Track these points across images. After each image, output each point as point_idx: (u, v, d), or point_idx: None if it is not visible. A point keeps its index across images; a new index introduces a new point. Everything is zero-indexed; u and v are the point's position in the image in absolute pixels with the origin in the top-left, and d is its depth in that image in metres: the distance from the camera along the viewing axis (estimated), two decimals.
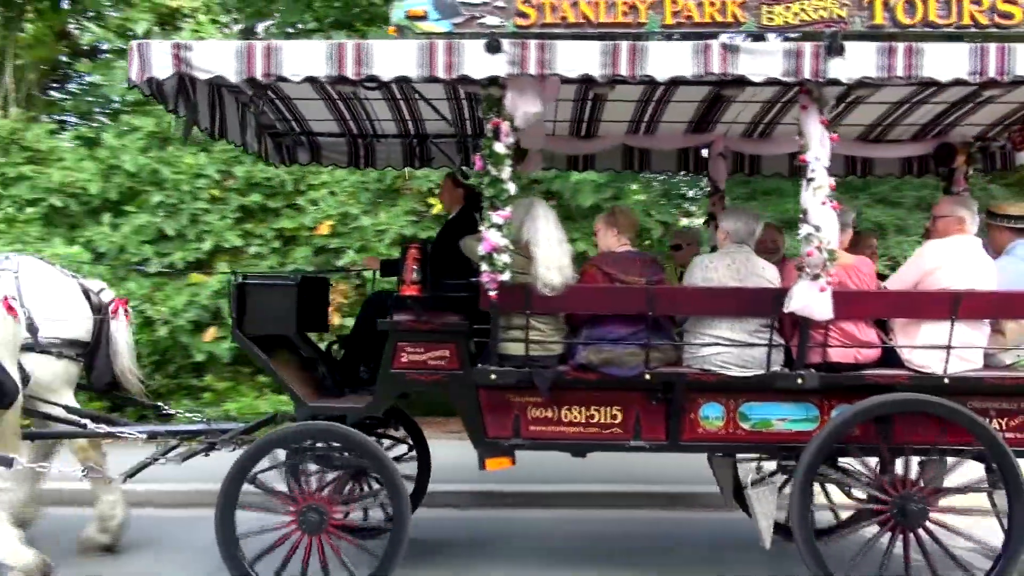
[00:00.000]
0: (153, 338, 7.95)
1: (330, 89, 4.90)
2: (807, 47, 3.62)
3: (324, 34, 9.49)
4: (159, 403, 5.34)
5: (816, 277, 3.83)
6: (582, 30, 3.86)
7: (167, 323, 8.01)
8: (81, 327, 4.83)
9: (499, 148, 3.82)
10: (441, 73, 3.66)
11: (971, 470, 4.18)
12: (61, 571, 4.50)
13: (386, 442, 5.39)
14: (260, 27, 10.89)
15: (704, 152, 5.88)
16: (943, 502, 4.11)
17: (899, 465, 4.14)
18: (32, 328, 4.64)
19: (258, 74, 3.68)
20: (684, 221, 9.37)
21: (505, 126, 3.81)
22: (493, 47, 3.63)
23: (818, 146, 3.81)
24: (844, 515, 4.95)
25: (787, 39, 3.86)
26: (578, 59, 3.63)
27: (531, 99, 3.76)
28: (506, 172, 3.85)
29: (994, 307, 4.11)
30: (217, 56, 3.69)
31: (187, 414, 5.20)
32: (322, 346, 5.23)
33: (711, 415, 4.25)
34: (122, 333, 4.99)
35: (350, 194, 8.86)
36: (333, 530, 4.13)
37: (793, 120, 5.31)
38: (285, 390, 4.44)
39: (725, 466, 4.90)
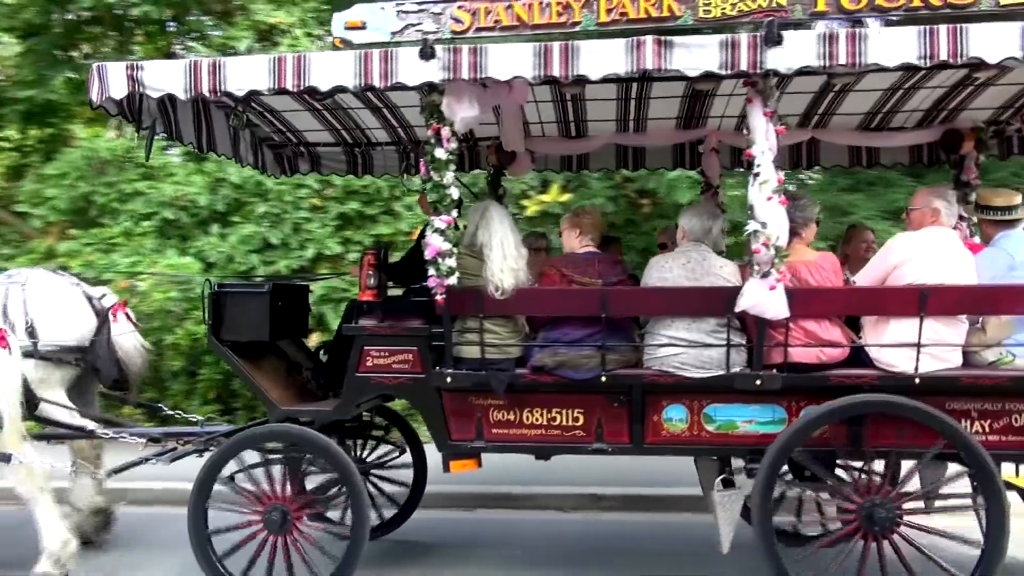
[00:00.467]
0: None
1: (311, 101, 5.03)
2: (743, 38, 3.51)
3: None
4: (159, 404, 5.59)
5: (765, 275, 3.71)
6: (517, 32, 3.85)
7: None
8: (80, 333, 5.08)
9: (440, 154, 3.86)
10: (377, 82, 3.72)
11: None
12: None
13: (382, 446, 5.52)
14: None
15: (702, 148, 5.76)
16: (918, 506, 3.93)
17: (872, 468, 3.97)
18: (33, 335, 4.92)
19: (205, 90, 3.82)
20: None
21: (446, 131, 3.85)
22: (426, 54, 3.67)
23: (763, 139, 3.69)
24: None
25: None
26: (510, 62, 3.62)
27: (468, 104, 3.78)
28: (448, 177, 3.88)
29: (965, 302, 3.88)
30: (166, 74, 3.85)
31: (185, 415, 5.39)
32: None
33: (675, 417, 4.16)
34: (127, 335, 5.23)
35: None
36: (297, 530, 4.24)
37: (786, 112, 5.23)
38: (256, 394, 4.57)
39: (710, 468, 4.78)
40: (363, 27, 3.92)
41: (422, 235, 5.47)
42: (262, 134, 5.70)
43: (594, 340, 4.04)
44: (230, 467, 4.29)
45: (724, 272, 4.02)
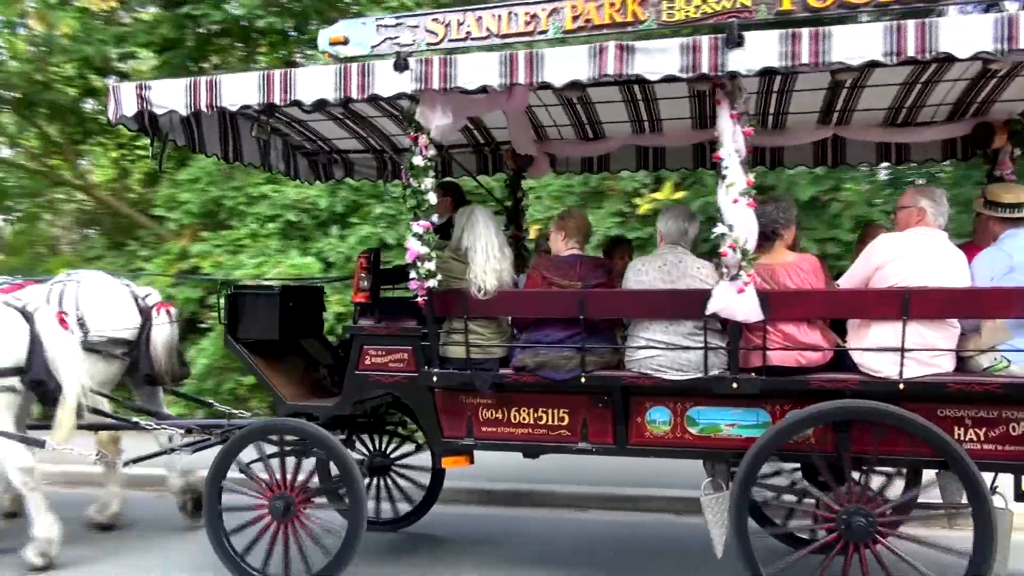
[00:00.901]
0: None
1: (332, 110, 5.27)
2: (704, 41, 3.49)
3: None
4: (209, 400, 6.01)
5: (734, 278, 3.69)
6: (488, 42, 3.95)
7: None
8: (124, 328, 5.50)
9: (418, 161, 4.01)
10: (355, 94, 3.91)
11: None
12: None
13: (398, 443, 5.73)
14: None
15: None
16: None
17: (856, 477, 3.88)
18: (84, 329, 5.37)
19: (203, 106, 4.10)
20: None
21: (423, 139, 3.99)
22: (400, 66, 3.82)
23: (730, 142, 3.66)
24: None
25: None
26: (478, 71, 3.73)
27: (442, 112, 3.92)
28: (426, 183, 4.03)
29: (950, 306, 3.72)
30: (169, 92, 4.15)
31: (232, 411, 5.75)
32: None
33: (658, 419, 4.18)
34: (161, 332, 5.63)
35: (556, 198, 8.97)
36: (299, 519, 4.48)
37: (802, 110, 5.14)
38: (266, 389, 4.85)
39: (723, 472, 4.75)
40: (345, 42, 4.11)
41: None
42: (294, 142, 5.99)
43: (574, 341, 4.11)
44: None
45: (701, 274, 4.00)
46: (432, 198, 4.04)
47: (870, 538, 3.72)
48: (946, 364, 3.79)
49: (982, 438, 3.80)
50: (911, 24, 3.32)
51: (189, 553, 5.21)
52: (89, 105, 11.32)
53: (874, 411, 3.70)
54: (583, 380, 4.11)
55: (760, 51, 3.46)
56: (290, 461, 4.58)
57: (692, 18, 3.73)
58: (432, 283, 4.10)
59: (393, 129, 5.74)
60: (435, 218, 4.11)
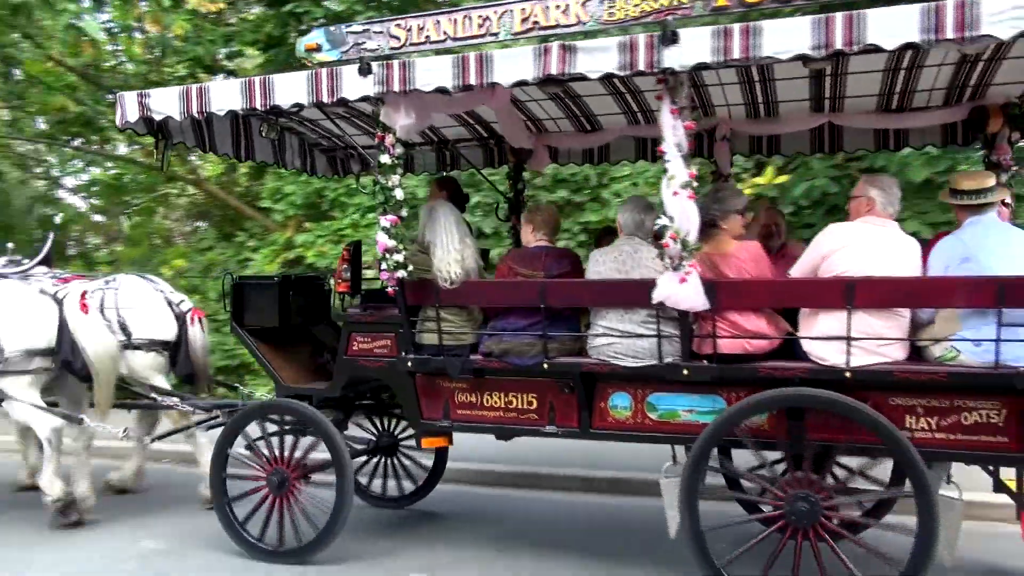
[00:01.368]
0: None
1: (335, 109, 5.57)
2: (641, 39, 3.60)
3: None
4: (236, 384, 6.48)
5: (676, 268, 3.80)
6: (445, 45, 4.14)
7: None
8: (163, 330, 5.95)
9: (386, 159, 4.26)
10: (325, 98, 4.18)
11: None
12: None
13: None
14: None
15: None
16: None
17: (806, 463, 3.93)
18: (126, 331, 5.84)
19: (194, 112, 4.45)
20: None
21: (389, 139, 4.24)
22: (364, 70, 4.07)
23: (671, 136, 3.76)
24: None
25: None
26: (433, 74, 3.94)
27: (404, 113, 4.15)
28: (393, 180, 4.28)
29: (895, 295, 3.73)
30: (165, 99, 4.52)
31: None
32: None
33: (619, 405, 4.33)
34: (197, 336, 6.06)
35: (652, 184, 8.95)
36: (294, 493, 4.82)
37: (791, 98, 5.16)
38: (267, 372, 5.21)
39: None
40: (319, 49, 4.38)
41: None
42: (311, 140, 6.33)
43: (537, 329, 4.29)
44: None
45: (656, 264, 4.10)
46: (399, 194, 4.28)
47: (815, 523, 3.78)
48: (895, 353, 3.81)
49: (934, 427, 3.80)
50: (839, 16, 3.35)
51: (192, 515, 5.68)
52: None
53: (816, 399, 3.76)
54: (545, 366, 4.29)
55: (693, 47, 3.54)
56: (289, 439, 4.93)
57: (632, 17, 3.83)
58: (401, 274, 4.35)
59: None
60: (404, 212, 4.35)
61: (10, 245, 7.00)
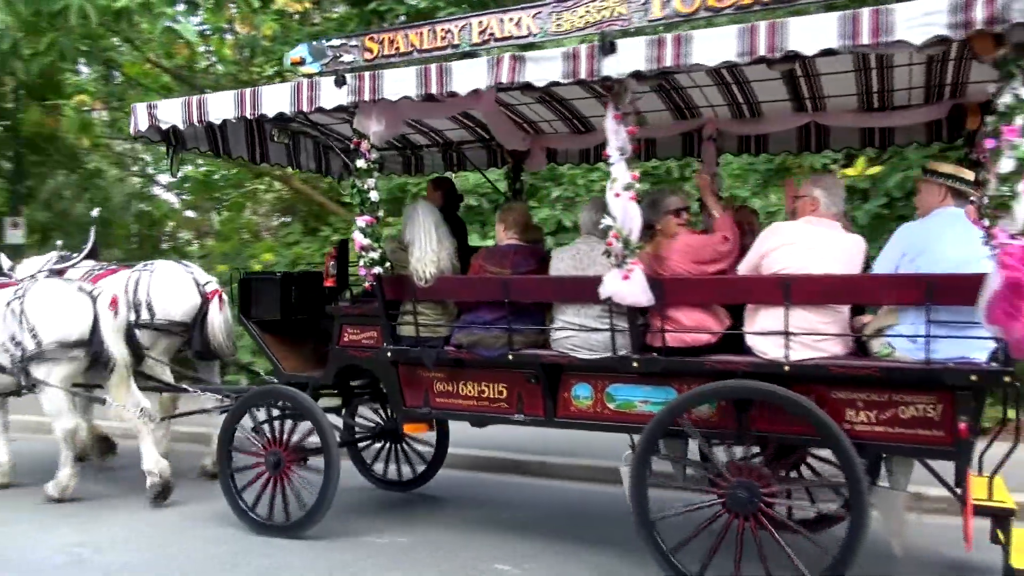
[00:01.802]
0: None
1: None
2: (582, 49, 3.82)
3: None
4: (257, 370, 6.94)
5: (620, 265, 4.00)
6: (412, 56, 4.43)
7: None
8: (182, 311, 6.44)
9: (361, 163, 4.59)
10: (306, 107, 4.53)
11: None
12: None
13: None
14: None
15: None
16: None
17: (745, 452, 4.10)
18: (150, 310, 6.36)
19: (195, 120, 4.86)
20: None
21: (365, 144, 4.56)
22: (339, 81, 4.40)
23: (614, 140, 3.96)
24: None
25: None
26: (399, 84, 4.24)
27: (376, 120, 4.47)
28: (369, 183, 4.60)
29: (829, 292, 3.85)
30: (170, 109, 4.95)
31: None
32: None
33: (581, 395, 4.55)
34: (216, 314, 6.52)
35: (737, 176, 8.93)
36: (287, 473, 5.19)
37: (770, 98, 5.28)
38: (268, 361, 5.61)
39: None
40: (303, 62, 4.72)
41: None
42: (324, 142, 6.71)
43: (503, 323, 4.55)
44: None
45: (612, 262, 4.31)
46: (374, 196, 4.60)
47: (753, 511, 3.93)
48: (833, 348, 3.93)
49: (873, 420, 3.90)
50: (763, 25, 3.50)
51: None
52: None
53: (754, 390, 3.92)
54: (510, 358, 4.55)
55: (630, 56, 3.74)
56: (288, 424, 5.31)
57: (577, 27, 4.05)
58: (378, 270, 4.67)
59: (405, 129, 6.33)
60: (380, 213, 4.67)
61: (59, 242, 7.60)
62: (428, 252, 4.68)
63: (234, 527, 5.25)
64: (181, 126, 4.94)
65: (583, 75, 3.84)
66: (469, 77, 4.07)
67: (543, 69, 3.92)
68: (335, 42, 4.65)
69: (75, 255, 7.12)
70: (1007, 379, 3.55)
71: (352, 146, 4.61)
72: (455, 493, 6.27)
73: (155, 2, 9.30)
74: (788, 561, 3.83)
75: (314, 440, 5.13)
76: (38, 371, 5.81)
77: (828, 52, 3.44)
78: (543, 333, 4.58)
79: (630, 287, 4.00)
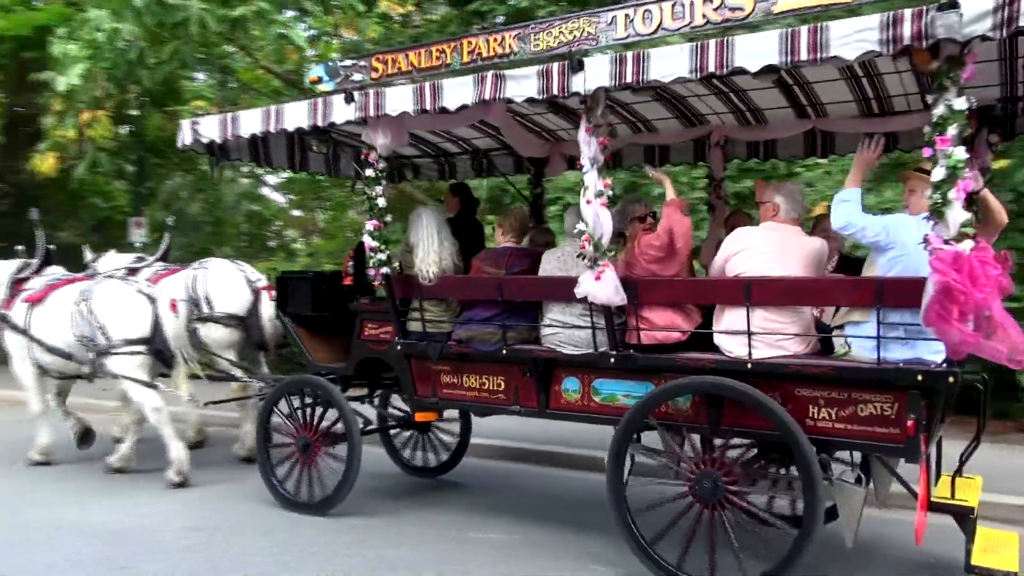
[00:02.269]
0: None
1: None
2: (555, 67, 4.13)
3: None
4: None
5: (592, 267, 4.29)
6: (411, 75, 4.83)
7: None
8: (238, 305, 7.05)
9: (370, 172, 5.02)
10: (320, 122, 4.99)
11: None
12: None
13: None
14: None
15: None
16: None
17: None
18: (209, 304, 6.99)
19: (228, 135, 5.40)
20: None
21: (373, 155, 4.99)
22: (348, 99, 4.84)
23: (586, 150, 4.26)
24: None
25: None
26: (398, 100, 4.65)
27: (381, 133, 4.89)
28: (377, 191, 5.03)
29: (786, 294, 4.04)
30: (209, 125, 5.51)
31: None
32: None
33: (570, 388, 4.86)
34: (265, 308, 7.11)
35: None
36: (317, 456, 5.68)
37: (770, 105, 5.46)
38: (300, 352, 6.12)
39: None
40: (320, 81, 5.19)
41: None
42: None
43: (498, 320, 4.90)
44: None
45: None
46: (381, 202, 5.03)
47: (718, 500, 4.16)
48: (795, 347, 4.12)
49: (834, 418, 4.07)
50: (712, 43, 3.74)
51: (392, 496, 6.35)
52: None
53: (714, 385, 4.14)
54: (504, 352, 4.90)
55: (595, 73, 4.03)
56: (319, 411, 5.80)
57: (551, 47, 4.35)
58: (385, 270, 5.09)
59: (434, 138, 6.76)
60: (388, 218, 5.10)
61: (138, 244, 8.36)
62: (431, 253, 5.07)
63: (344, 515, 5.52)
64: (218, 140, 5.50)
65: (555, 91, 4.15)
66: (457, 94, 4.44)
67: (521, 86, 4.24)
68: (347, 62, 5.11)
69: (148, 258, 7.87)
70: (951, 380, 3.67)
71: (363, 156, 5.03)
72: (476, 481, 6.65)
73: (268, 10, 9.75)
74: (762, 550, 4.04)
75: (341, 426, 5.61)
76: (112, 364, 6.50)
77: (771, 68, 3.65)
78: (534, 330, 4.90)
79: (602, 287, 4.29)
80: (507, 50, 4.51)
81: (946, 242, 3.45)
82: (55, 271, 7.44)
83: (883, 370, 3.83)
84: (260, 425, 5.88)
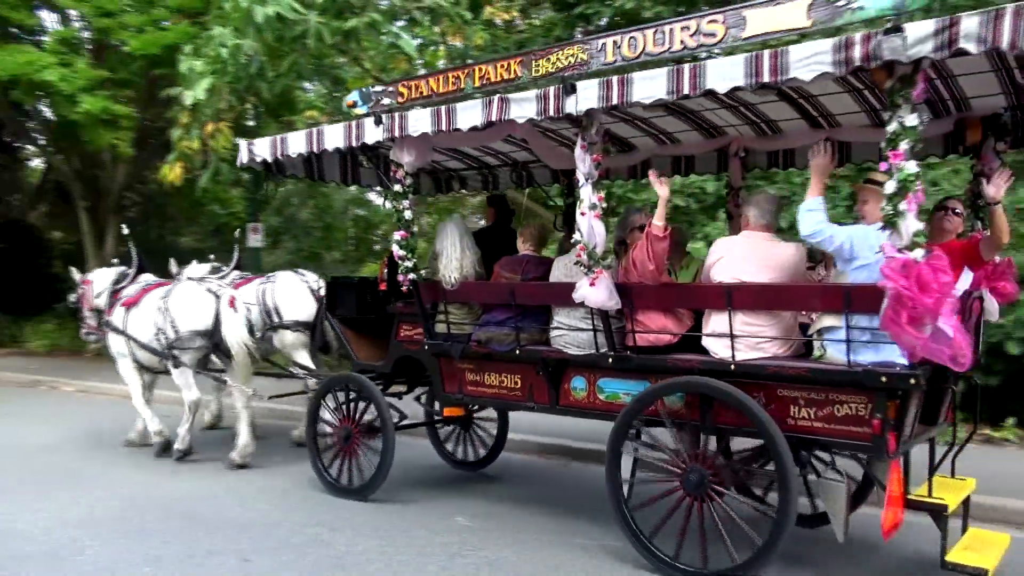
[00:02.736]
0: None
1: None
2: (551, 90, 4.52)
3: None
4: None
5: (587, 274, 4.64)
6: (431, 99, 5.28)
7: None
8: (305, 313, 7.67)
9: (397, 188, 5.51)
10: (354, 142, 5.51)
11: None
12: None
13: None
14: None
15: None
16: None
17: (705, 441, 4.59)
18: (278, 314, 7.63)
19: (279, 154, 6.00)
20: None
21: (400, 172, 5.48)
22: (378, 121, 5.34)
23: (581, 166, 4.61)
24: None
25: None
26: (419, 122, 5.12)
27: (406, 152, 5.38)
28: (403, 204, 5.51)
29: (762, 299, 4.29)
30: (262, 146, 6.12)
31: None
32: None
33: (578, 386, 5.21)
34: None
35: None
36: (356, 446, 6.21)
37: (783, 117, 5.69)
38: (347, 351, 6.67)
39: None
40: (355, 105, 5.71)
41: (476, 237, 7.05)
42: None
43: (513, 322, 5.31)
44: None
45: None
46: (408, 215, 5.51)
47: (705, 493, 4.44)
48: (775, 349, 4.36)
49: (813, 417, 4.29)
50: (687, 68, 4.05)
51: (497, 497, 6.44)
52: None
53: (698, 385, 4.43)
54: (518, 352, 5.30)
55: (586, 96, 4.39)
56: (362, 404, 6.33)
57: (550, 72, 4.72)
58: (413, 276, 5.57)
59: (476, 152, 7.21)
60: (415, 228, 5.58)
61: (211, 256, 9.09)
62: (453, 260, 5.52)
63: (454, 516, 5.75)
64: (268, 159, 6.11)
65: (552, 112, 4.53)
66: (469, 115, 4.87)
67: (523, 108, 4.64)
68: (377, 88, 5.61)
69: (224, 268, 8.61)
70: (912, 381, 3.85)
71: (393, 174, 5.52)
72: (513, 474, 7.05)
73: (380, 21, 10.13)
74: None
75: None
76: (180, 355, 7.24)
77: (738, 89, 3.93)
78: (545, 332, 5.28)
79: (596, 292, 4.63)
80: (513, 75, 4.91)
81: (899, 251, 3.65)
82: (147, 278, 8.26)
83: (853, 372, 4.04)
84: (309, 416, 6.46)
